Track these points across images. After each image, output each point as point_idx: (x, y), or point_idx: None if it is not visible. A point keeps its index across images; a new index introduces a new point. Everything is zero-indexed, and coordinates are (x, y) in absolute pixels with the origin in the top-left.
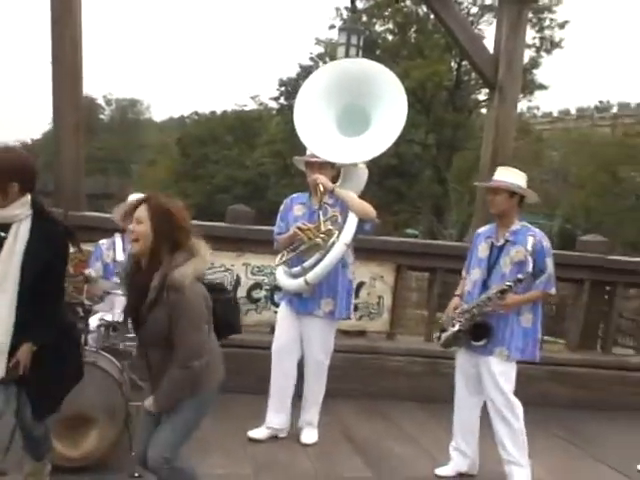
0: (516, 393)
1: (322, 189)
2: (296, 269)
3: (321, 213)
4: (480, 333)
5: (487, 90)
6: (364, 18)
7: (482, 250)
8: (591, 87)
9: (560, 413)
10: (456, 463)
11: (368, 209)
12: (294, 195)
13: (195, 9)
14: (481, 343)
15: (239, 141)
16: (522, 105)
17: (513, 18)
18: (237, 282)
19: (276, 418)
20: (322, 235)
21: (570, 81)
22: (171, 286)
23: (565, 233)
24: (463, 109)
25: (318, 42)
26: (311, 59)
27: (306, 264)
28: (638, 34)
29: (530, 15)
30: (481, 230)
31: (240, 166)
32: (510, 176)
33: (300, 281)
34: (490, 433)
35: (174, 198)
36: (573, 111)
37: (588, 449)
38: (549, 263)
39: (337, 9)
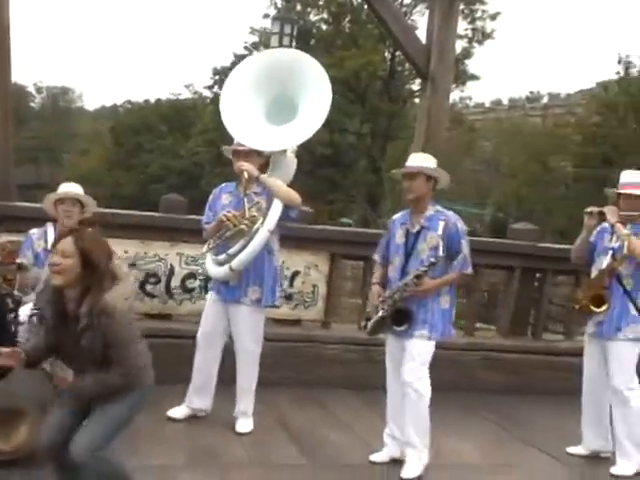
0: (449, 379)
1: (247, 176)
2: (222, 256)
3: (246, 200)
4: (401, 318)
5: (420, 80)
6: (298, 7)
7: (399, 237)
8: (522, 78)
9: (491, 398)
10: (390, 449)
11: (293, 196)
12: (223, 184)
13: None
14: (402, 328)
15: (173, 130)
16: (455, 95)
17: (445, 9)
18: (171, 272)
19: (196, 398)
20: (246, 222)
21: (502, 72)
22: (102, 311)
23: (497, 221)
24: (397, 99)
25: (252, 31)
26: (245, 48)
27: (231, 251)
28: (567, 26)
29: (462, 6)
30: (395, 217)
31: (174, 155)
32: (424, 160)
33: (226, 268)
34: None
35: (99, 233)
36: (505, 101)
37: (518, 432)
38: (464, 244)
39: None
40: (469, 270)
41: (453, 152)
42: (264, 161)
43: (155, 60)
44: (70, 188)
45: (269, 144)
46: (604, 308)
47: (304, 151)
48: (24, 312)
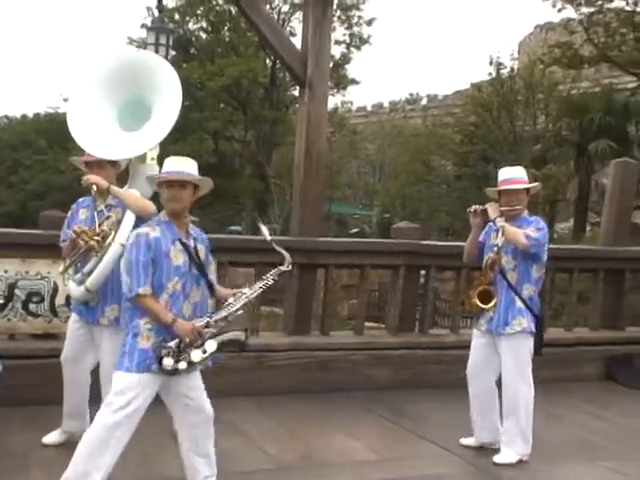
0: (340, 379)
1: (95, 189)
2: (78, 276)
3: (96, 215)
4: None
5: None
6: (176, 16)
7: (175, 258)
8: (401, 81)
9: (383, 395)
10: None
11: (143, 205)
12: (80, 199)
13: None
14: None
15: (54, 145)
16: (336, 100)
17: (318, 16)
18: (55, 290)
19: (71, 422)
20: (97, 238)
21: (381, 76)
22: None
23: (384, 222)
24: (280, 105)
25: (130, 42)
26: None
27: (85, 269)
28: (441, 29)
29: (339, 12)
30: (154, 234)
31: (55, 171)
32: (189, 166)
33: (82, 288)
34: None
35: None
36: (386, 104)
37: (411, 427)
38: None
39: (148, 8)
40: None
41: (338, 156)
42: (119, 171)
43: (30, 73)
44: None
45: (120, 152)
46: (492, 304)
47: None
48: None
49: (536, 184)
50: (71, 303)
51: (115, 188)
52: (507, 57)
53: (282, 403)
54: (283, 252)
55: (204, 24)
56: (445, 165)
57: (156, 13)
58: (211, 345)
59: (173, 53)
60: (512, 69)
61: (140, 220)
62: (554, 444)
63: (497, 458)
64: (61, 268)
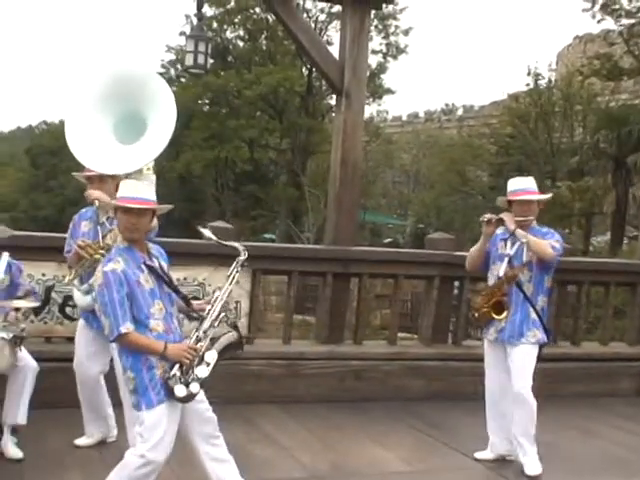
0: (373, 388)
1: (97, 204)
2: (84, 286)
3: (99, 229)
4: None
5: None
6: (214, 25)
7: (146, 281)
8: (437, 91)
9: (415, 405)
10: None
11: None
12: (82, 210)
13: (42, 13)
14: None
15: None
16: (372, 109)
17: (356, 25)
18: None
19: (94, 427)
20: (101, 251)
21: (417, 85)
22: None
23: (418, 232)
24: (316, 114)
25: (169, 49)
26: (163, 66)
27: (92, 280)
28: (478, 39)
29: (375, 22)
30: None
31: None
32: (146, 190)
33: (89, 298)
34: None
35: None
36: (421, 114)
37: (443, 438)
38: None
39: (187, 16)
40: None
41: (374, 165)
42: (119, 182)
43: (70, 79)
44: None
45: (119, 166)
46: (504, 315)
47: (229, 169)
48: None
49: (548, 195)
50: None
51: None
52: (545, 68)
53: (314, 412)
54: (235, 244)
55: (241, 32)
56: (481, 176)
57: (195, 21)
58: (212, 355)
59: (211, 61)
60: (550, 80)
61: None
62: (587, 459)
63: (528, 470)
64: (67, 279)
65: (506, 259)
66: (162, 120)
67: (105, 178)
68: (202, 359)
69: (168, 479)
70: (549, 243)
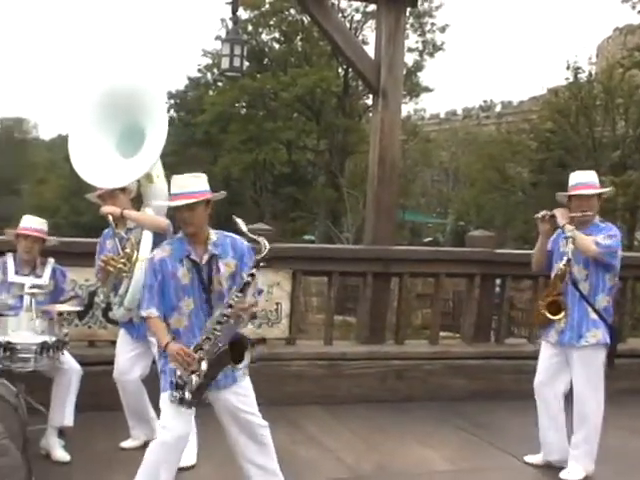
0: (416, 388)
1: (111, 219)
2: (116, 298)
3: (117, 241)
4: (239, 350)
5: (372, 95)
6: (250, 28)
7: (182, 276)
8: (475, 87)
9: (458, 405)
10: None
11: (157, 222)
12: (105, 231)
13: (80, 24)
14: (244, 362)
15: None
16: (409, 108)
17: (391, 24)
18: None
19: (139, 430)
20: (123, 260)
21: (455, 83)
22: None
23: (458, 230)
24: (353, 114)
25: (205, 53)
26: (199, 71)
27: (120, 291)
28: (515, 34)
29: (411, 20)
30: (161, 255)
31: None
32: (194, 182)
33: (122, 309)
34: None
35: None
36: (459, 111)
37: (488, 438)
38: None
39: (222, 20)
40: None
41: (412, 164)
42: (132, 195)
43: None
44: (33, 223)
45: (124, 178)
46: (561, 315)
47: (267, 171)
48: None
49: (608, 189)
50: None
51: (128, 212)
52: (585, 61)
53: (357, 412)
54: (259, 239)
55: (277, 35)
56: (521, 172)
57: (230, 25)
58: (204, 366)
59: (247, 64)
60: (590, 73)
61: (158, 236)
62: (632, 458)
63: (564, 474)
64: (101, 297)
65: (565, 257)
66: (158, 128)
67: (115, 193)
68: (199, 368)
69: (210, 478)
70: (593, 240)
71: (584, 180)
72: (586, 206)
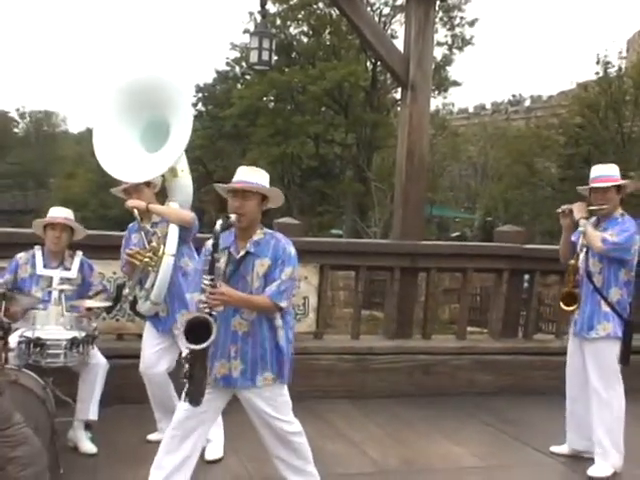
0: (443, 383)
1: (137, 213)
2: (142, 292)
3: (143, 234)
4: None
5: (401, 88)
6: (278, 21)
7: (221, 263)
8: (504, 82)
9: (486, 400)
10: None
11: (182, 216)
12: (130, 225)
13: (106, 17)
14: (208, 341)
15: None
16: (438, 102)
17: (421, 18)
18: None
19: (165, 423)
20: (149, 254)
21: (483, 77)
22: None
23: (486, 225)
24: (381, 108)
25: (233, 47)
26: (227, 64)
27: (147, 285)
28: (544, 28)
29: (440, 14)
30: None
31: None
32: (257, 176)
33: (148, 303)
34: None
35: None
36: (488, 106)
37: (515, 433)
38: (286, 272)
39: (251, 13)
40: (282, 303)
41: (440, 158)
42: (157, 189)
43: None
44: (60, 213)
45: (148, 173)
46: (574, 307)
47: (294, 164)
48: (13, 339)
49: (625, 181)
50: None
51: (153, 206)
52: (615, 55)
53: (384, 406)
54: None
55: (305, 28)
56: (549, 167)
57: (258, 18)
58: (185, 367)
59: (275, 57)
60: (620, 68)
61: (183, 230)
62: None
63: (591, 471)
64: (127, 290)
65: (584, 250)
66: (183, 123)
67: (140, 187)
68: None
69: (240, 473)
70: (601, 236)
71: (602, 173)
72: (603, 199)
